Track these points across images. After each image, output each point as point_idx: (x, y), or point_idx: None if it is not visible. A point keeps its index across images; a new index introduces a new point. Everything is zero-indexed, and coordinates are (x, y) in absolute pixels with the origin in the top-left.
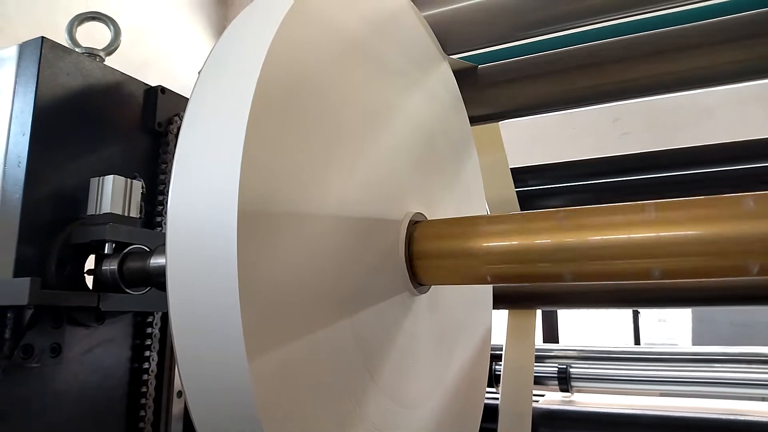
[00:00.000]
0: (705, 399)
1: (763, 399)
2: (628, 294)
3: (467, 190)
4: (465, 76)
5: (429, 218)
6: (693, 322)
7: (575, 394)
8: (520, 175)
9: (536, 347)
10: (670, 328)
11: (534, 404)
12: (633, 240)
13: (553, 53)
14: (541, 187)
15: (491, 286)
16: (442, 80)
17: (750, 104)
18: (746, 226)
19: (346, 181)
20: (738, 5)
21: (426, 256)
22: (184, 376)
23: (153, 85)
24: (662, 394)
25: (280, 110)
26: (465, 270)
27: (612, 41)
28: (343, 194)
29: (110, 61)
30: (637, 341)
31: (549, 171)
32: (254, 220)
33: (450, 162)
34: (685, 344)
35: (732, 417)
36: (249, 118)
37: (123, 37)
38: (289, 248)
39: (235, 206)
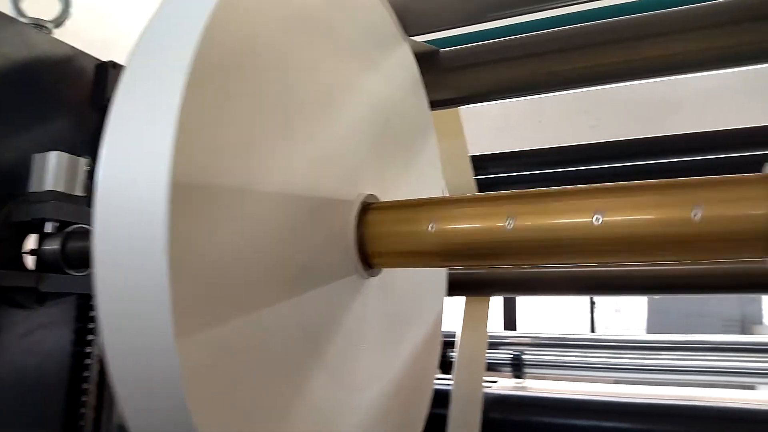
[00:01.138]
0: (657, 386)
1: (711, 385)
2: (584, 281)
3: (424, 174)
4: (426, 60)
5: (382, 201)
6: (648, 313)
7: (529, 380)
8: (481, 162)
9: (491, 334)
10: (625, 318)
11: (486, 390)
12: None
13: (517, 38)
14: (502, 174)
15: (445, 272)
16: (402, 61)
17: (717, 97)
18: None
19: (296, 158)
20: None
21: (377, 238)
22: (111, 362)
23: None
24: (616, 381)
25: (222, 77)
26: (416, 253)
27: (576, 27)
28: (291, 171)
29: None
30: (592, 331)
31: (510, 159)
32: (189, 192)
33: (406, 145)
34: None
35: (680, 403)
36: (186, 83)
37: (83, 18)
38: (229, 224)
39: (166, 176)
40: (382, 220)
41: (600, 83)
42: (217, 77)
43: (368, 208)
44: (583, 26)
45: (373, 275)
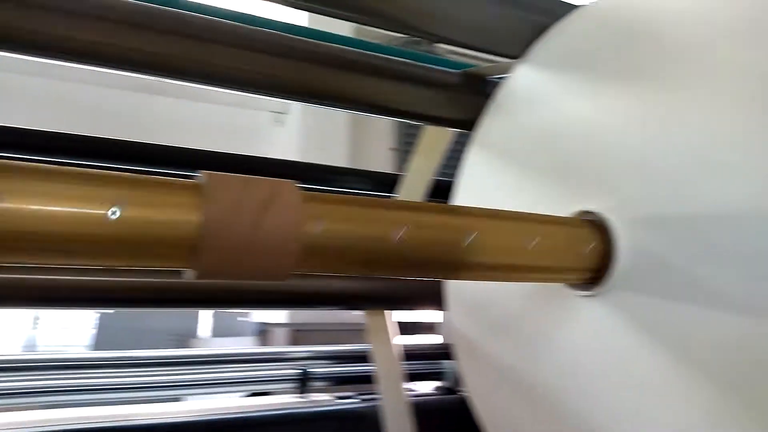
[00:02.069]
0: (97, 406)
1: (148, 401)
2: (24, 291)
3: None
4: None
5: None
6: (97, 329)
7: None
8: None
9: None
10: (72, 334)
11: None
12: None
13: None
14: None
15: None
16: None
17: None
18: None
19: None
20: None
21: None
22: None
23: None
24: (48, 406)
25: None
26: None
27: None
28: None
29: None
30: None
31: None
32: None
33: None
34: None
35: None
36: None
37: None
38: None
39: None
40: None
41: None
42: None
43: None
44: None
45: None
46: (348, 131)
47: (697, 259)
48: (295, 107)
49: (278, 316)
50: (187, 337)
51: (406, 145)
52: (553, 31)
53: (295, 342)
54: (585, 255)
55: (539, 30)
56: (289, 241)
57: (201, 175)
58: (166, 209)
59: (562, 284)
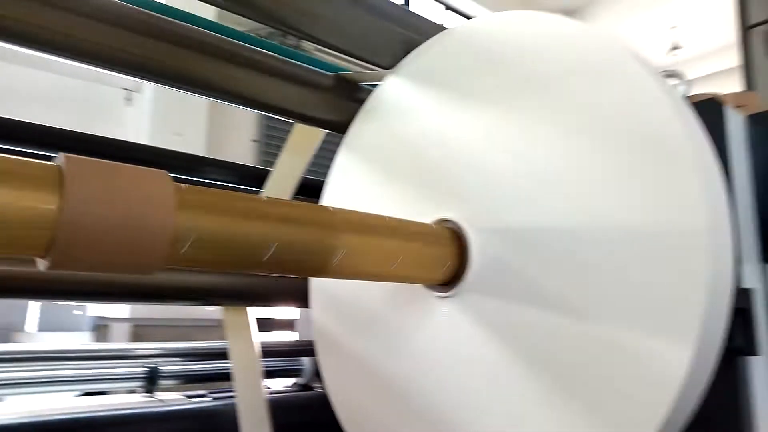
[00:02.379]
0: None
1: None
2: None
3: None
4: None
5: None
6: None
7: None
8: None
9: None
10: None
11: None
12: None
13: None
14: None
15: None
16: None
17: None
18: None
19: None
20: None
21: None
22: None
23: None
24: None
25: None
26: None
27: None
28: None
29: None
30: None
31: None
32: None
33: None
34: None
35: None
36: None
37: None
38: None
39: None
40: None
41: None
42: None
43: None
44: None
45: None
46: (206, 118)
47: (536, 267)
48: (148, 85)
49: (118, 310)
50: (10, 331)
51: (268, 138)
52: (421, 47)
53: (136, 338)
54: (442, 259)
55: (409, 45)
56: (158, 234)
57: (59, 158)
58: (18, 193)
59: (422, 285)
